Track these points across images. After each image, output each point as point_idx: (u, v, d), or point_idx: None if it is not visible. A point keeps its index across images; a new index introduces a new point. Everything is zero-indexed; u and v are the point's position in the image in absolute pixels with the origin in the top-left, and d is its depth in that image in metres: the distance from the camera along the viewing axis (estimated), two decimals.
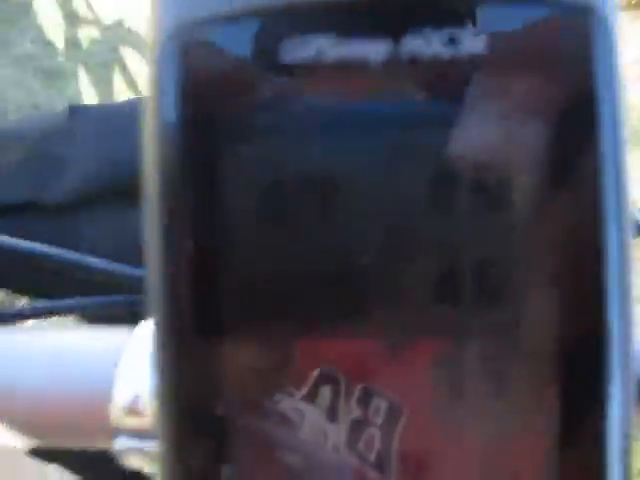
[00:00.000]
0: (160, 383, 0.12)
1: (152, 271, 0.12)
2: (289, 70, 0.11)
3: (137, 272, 0.27)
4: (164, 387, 0.12)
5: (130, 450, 0.20)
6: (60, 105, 2.03)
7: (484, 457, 0.12)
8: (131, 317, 0.23)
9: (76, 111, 0.35)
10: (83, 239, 0.30)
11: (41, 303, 0.28)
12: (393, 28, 0.11)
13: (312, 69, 0.11)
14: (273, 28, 0.11)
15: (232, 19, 0.11)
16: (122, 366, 0.21)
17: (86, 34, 2.23)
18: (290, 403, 0.13)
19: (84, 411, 0.20)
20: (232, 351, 0.12)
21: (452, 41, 0.11)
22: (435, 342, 0.12)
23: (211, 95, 0.11)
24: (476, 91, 0.11)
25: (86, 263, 0.26)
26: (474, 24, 0.11)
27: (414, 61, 0.11)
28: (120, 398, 0.20)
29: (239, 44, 0.11)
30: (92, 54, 2.16)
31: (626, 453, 0.11)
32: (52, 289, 0.31)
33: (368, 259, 0.11)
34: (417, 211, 0.11)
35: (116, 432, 0.20)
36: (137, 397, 0.20)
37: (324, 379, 0.12)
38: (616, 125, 0.11)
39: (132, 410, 0.20)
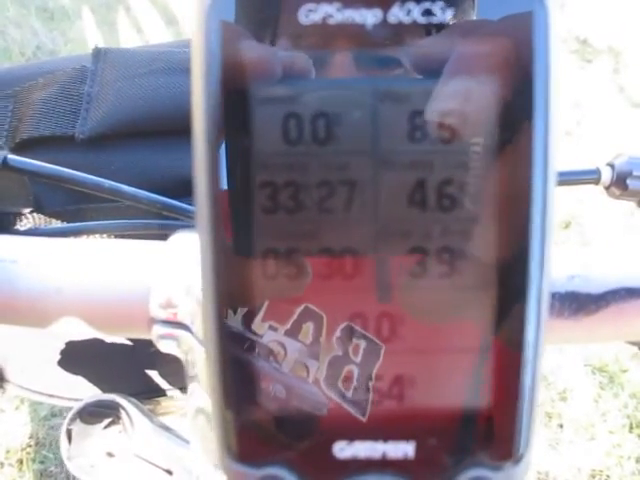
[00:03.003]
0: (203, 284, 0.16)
1: (199, 196, 0.15)
2: (304, 28, 0.15)
3: (160, 199, 0.31)
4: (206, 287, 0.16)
5: (164, 336, 0.25)
6: (63, 47, 2.02)
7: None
8: (158, 237, 0.27)
9: (100, 53, 0.38)
10: (102, 171, 0.33)
11: (77, 224, 0.32)
12: (382, 2, 0.14)
13: (321, 28, 0.15)
14: None
15: None
16: (158, 270, 0.25)
17: None
18: (274, 336, 0.17)
19: (127, 306, 0.25)
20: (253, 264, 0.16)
21: (427, 12, 0.15)
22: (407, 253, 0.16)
23: (246, 43, 0.15)
24: (442, 50, 0.15)
25: (118, 189, 0.30)
26: (444, 1, 0.14)
27: (397, 26, 0.14)
28: (157, 295, 0.25)
29: (270, 7, 0.15)
30: None
31: (539, 335, 0.16)
32: (85, 214, 0.35)
33: (357, 176, 0.16)
34: (396, 141, 0.16)
35: (153, 322, 0.25)
36: (170, 294, 0.25)
37: (307, 316, 0.16)
38: (547, 93, 0.15)
39: (167, 304, 0.24)
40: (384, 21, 0.15)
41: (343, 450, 0.16)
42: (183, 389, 0.55)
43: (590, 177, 0.32)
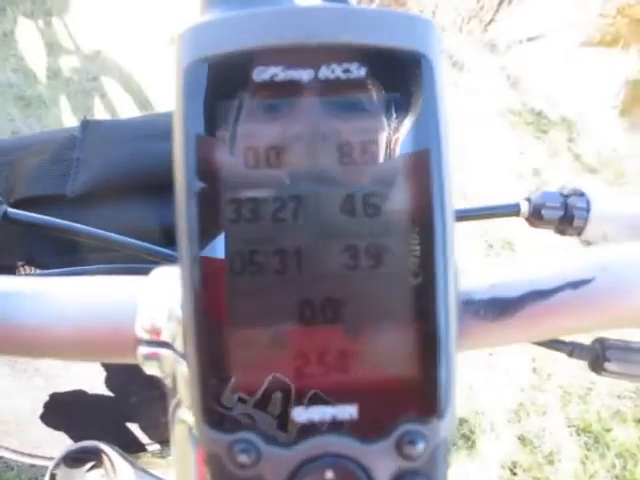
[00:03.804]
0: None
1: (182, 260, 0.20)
2: (257, 84, 0.20)
3: (144, 245, 0.36)
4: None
5: (148, 356, 0.28)
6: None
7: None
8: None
9: (87, 124, 0.44)
10: (91, 224, 0.37)
11: (69, 268, 0.36)
12: (314, 63, 0.20)
13: (269, 84, 0.20)
14: (248, 59, 0.20)
15: (228, 55, 0.20)
16: (142, 299, 0.29)
17: (66, 63, 2.31)
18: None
19: (115, 331, 0.28)
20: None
21: (346, 70, 0.20)
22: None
23: (216, 95, 0.20)
24: (356, 94, 0.20)
25: (107, 236, 0.34)
26: (358, 62, 0.20)
27: (325, 80, 0.20)
28: (142, 320, 0.28)
29: (231, 69, 0.20)
30: (72, 82, 2.23)
31: (449, 314, 0.20)
32: (75, 264, 0.39)
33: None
34: (327, 170, 0.20)
35: (139, 343, 0.28)
36: (154, 319, 0.28)
37: None
38: (438, 111, 0.20)
39: (152, 327, 0.28)
40: (316, 77, 0.20)
41: (300, 414, 0.20)
42: (163, 442, 0.56)
43: (512, 210, 0.37)
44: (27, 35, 2.36)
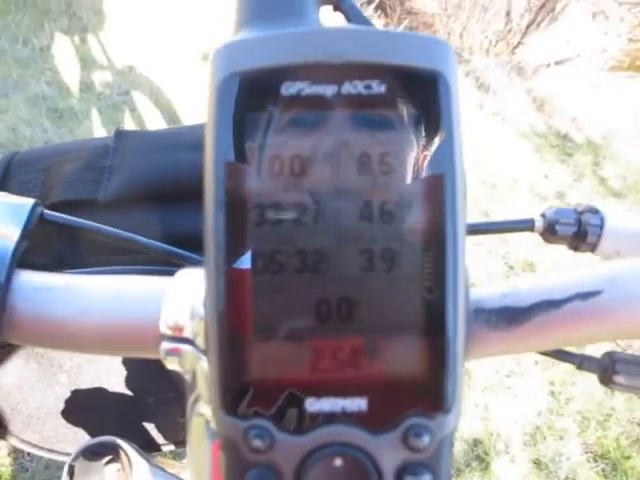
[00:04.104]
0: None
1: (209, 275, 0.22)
2: (284, 98, 0.22)
3: (170, 248, 0.37)
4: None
5: (170, 351, 0.30)
6: None
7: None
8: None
9: (120, 134, 0.46)
10: (120, 227, 0.39)
11: (97, 269, 0.38)
12: (338, 79, 0.21)
13: (295, 98, 0.21)
14: (277, 75, 0.22)
15: (258, 70, 0.21)
16: (166, 297, 0.30)
17: (99, 77, 2.38)
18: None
19: (141, 327, 0.30)
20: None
21: (368, 87, 0.21)
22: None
23: (247, 107, 0.21)
24: (377, 109, 0.21)
25: (134, 239, 0.36)
26: (379, 79, 0.21)
27: (347, 95, 0.21)
28: (166, 317, 0.30)
29: (261, 83, 0.22)
30: (103, 96, 2.30)
31: (457, 319, 0.21)
32: (103, 262, 0.41)
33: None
34: (346, 174, 0.22)
35: (162, 339, 0.30)
36: (178, 317, 0.30)
37: None
38: (454, 136, 0.21)
39: (175, 324, 0.30)
40: (339, 92, 0.21)
41: (312, 405, 0.21)
42: (178, 443, 0.58)
43: (526, 225, 0.39)
44: (62, 50, 2.44)
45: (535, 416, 1.47)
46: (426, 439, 0.21)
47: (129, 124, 2.20)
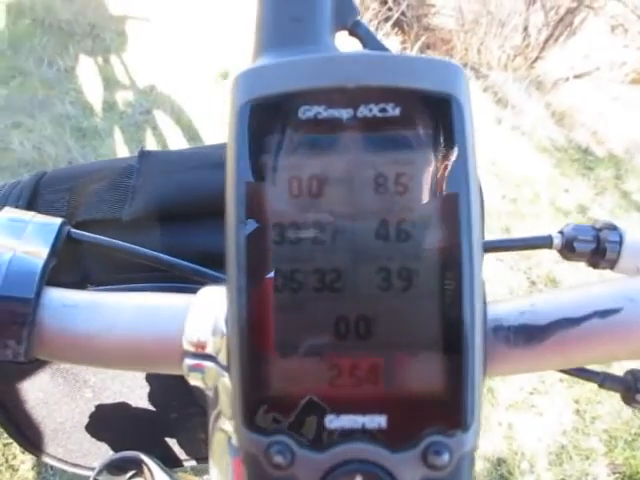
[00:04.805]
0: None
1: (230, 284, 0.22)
2: (302, 121, 0.22)
3: (191, 266, 0.38)
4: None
5: (193, 367, 0.30)
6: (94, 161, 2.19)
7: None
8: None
9: (144, 154, 0.47)
10: (143, 246, 0.40)
11: (121, 286, 0.39)
12: (353, 103, 0.22)
13: (312, 121, 0.22)
14: (295, 100, 0.22)
15: (277, 96, 0.22)
16: (190, 314, 0.31)
17: (121, 97, 2.43)
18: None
19: (164, 343, 0.31)
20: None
21: (382, 110, 0.22)
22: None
23: (265, 130, 0.22)
24: (392, 132, 0.22)
25: (157, 257, 0.37)
26: (393, 102, 0.22)
27: (363, 118, 0.22)
28: (189, 334, 0.30)
29: (280, 108, 0.22)
30: (126, 115, 2.35)
31: (475, 338, 0.22)
32: (127, 280, 0.42)
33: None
34: (363, 192, 0.22)
35: (185, 355, 0.30)
36: (200, 333, 0.30)
37: None
38: (468, 156, 0.22)
39: (197, 341, 0.30)
40: (354, 116, 0.22)
41: (332, 422, 0.22)
42: (200, 459, 0.58)
43: (545, 242, 0.38)
44: (86, 70, 2.50)
45: (560, 435, 1.44)
46: (446, 457, 0.21)
47: (151, 142, 2.24)
